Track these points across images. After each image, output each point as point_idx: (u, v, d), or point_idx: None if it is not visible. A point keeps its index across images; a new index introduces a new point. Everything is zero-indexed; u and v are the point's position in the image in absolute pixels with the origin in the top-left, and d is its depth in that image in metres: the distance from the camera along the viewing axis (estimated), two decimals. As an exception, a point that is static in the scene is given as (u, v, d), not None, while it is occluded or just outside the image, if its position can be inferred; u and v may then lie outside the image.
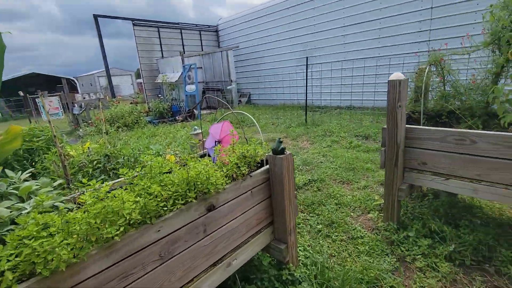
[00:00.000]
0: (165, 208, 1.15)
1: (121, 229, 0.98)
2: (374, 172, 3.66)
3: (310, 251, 2.15)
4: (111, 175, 2.49)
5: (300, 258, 2.02)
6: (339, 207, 2.85)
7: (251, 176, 1.54)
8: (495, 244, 1.98)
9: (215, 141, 1.82)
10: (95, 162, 2.47)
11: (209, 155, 1.97)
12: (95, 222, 0.94)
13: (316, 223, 2.61)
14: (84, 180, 1.10)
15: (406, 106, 2.09)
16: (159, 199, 1.14)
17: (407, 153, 2.16)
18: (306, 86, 6.74)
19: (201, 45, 13.23)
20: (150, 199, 1.10)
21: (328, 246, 2.26)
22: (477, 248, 1.98)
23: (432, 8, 6.74)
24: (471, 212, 2.42)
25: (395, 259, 2.05)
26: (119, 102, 9.60)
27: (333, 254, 2.16)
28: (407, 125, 2.09)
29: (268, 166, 1.66)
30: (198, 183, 1.24)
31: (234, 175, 1.48)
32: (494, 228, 2.14)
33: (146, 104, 11.66)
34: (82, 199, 1.04)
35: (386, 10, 7.43)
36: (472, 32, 6.24)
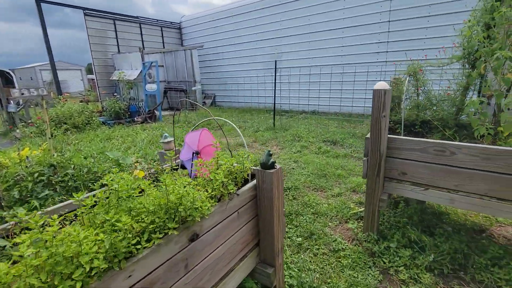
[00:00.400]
0: (139, 246, 0.89)
1: (78, 285, 0.71)
2: (345, 179, 3.69)
3: (295, 269, 2.01)
4: (57, 190, 2.07)
5: (285, 278, 1.87)
6: (317, 217, 2.78)
7: (238, 194, 1.34)
8: (469, 252, 2.05)
9: (193, 152, 1.58)
10: (37, 174, 2.03)
11: (184, 168, 1.71)
12: (39, 280, 0.65)
13: (295, 235, 2.48)
14: (20, 215, 0.79)
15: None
16: (131, 235, 0.88)
17: (387, 163, 2.14)
18: (275, 89, 6.70)
19: (163, 42, 12.51)
20: (118, 237, 0.84)
21: (311, 261, 2.15)
22: (453, 257, 2.03)
23: (389, 21, 7.22)
24: (440, 218, 2.52)
25: (378, 272, 2.01)
26: (66, 100, 8.54)
27: (316, 270, 2.04)
28: (389, 135, 2.07)
29: (255, 181, 1.47)
30: (180, 209, 1.00)
31: (220, 195, 1.26)
32: (465, 235, 2.23)
33: (99, 103, 10.60)
34: (20, 239, 0.74)
35: (348, 20, 7.77)
36: (422, 47, 6.82)
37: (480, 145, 1.77)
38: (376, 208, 2.23)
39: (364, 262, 2.10)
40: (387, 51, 7.35)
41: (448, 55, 2.17)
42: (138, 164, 1.63)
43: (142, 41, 11.77)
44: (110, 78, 10.68)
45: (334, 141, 5.36)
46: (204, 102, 11.38)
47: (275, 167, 1.43)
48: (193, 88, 10.08)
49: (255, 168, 1.47)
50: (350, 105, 7.62)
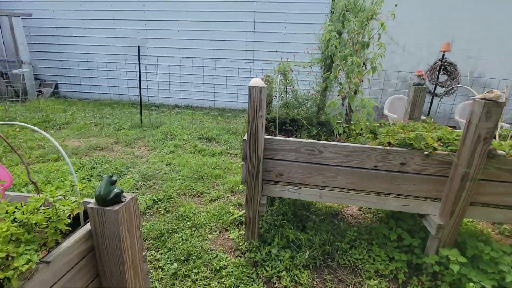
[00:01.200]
0: None
1: None
2: (223, 179, 3.51)
3: (168, 314, 1.57)
4: None
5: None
6: (195, 231, 2.41)
7: (48, 263, 0.76)
8: (334, 240, 2.25)
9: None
10: None
11: None
12: None
13: (169, 261, 2.03)
14: None
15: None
16: None
17: (265, 165, 2.03)
18: (140, 80, 5.73)
19: (-43, -1, 8.42)
20: None
21: (189, 293, 1.77)
22: (323, 248, 2.17)
23: (254, 22, 7.65)
24: (308, 209, 2.72)
25: (262, 283, 1.88)
26: None
27: (196, 303, 1.69)
28: (265, 136, 1.95)
29: (89, 226, 0.92)
30: None
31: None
32: (329, 223, 2.46)
33: None
34: None
35: (218, 14, 7.69)
36: (280, 49, 7.63)
37: (341, 143, 1.90)
38: (256, 214, 2.10)
39: (248, 276, 1.92)
40: (253, 50, 7.79)
41: (309, 59, 2.29)
42: None
43: None
44: None
45: (210, 137, 5.13)
46: (40, 92, 8.57)
47: (123, 199, 0.94)
48: (16, 71, 7.35)
49: (89, 204, 0.92)
50: (223, 99, 7.63)
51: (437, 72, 5.25)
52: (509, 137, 2.15)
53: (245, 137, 1.91)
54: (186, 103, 8.11)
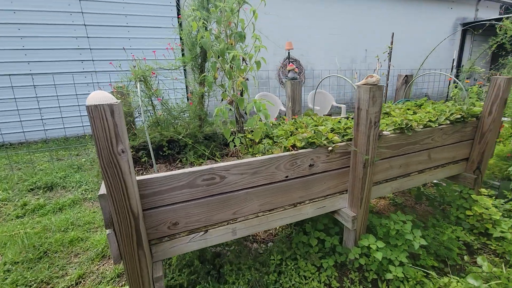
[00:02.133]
0: None
1: None
2: (85, 242, 2.41)
3: None
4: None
5: None
6: None
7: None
8: (260, 275, 1.83)
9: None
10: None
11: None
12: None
13: None
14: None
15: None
16: None
17: (148, 220, 1.34)
18: None
19: None
20: None
21: None
22: (251, 293, 1.71)
23: (85, 25, 6.10)
24: (216, 246, 2.19)
25: None
26: None
27: None
28: (139, 178, 1.25)
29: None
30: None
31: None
32: (246, 256, 2.02)
33: None
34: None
35: (27, 14, 5.60)
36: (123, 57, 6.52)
37: (246, 160, 1.48)
38: (151, 295, 1.37)
39: None
40: (93, 60, 6.24)
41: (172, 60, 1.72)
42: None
43: None
44: None
45: (51, 184, 3.58)
46: None
47: None
48: None
49: None
50: (61, 127, 5.73)
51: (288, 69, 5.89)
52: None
53: (102, 190, 1.15)
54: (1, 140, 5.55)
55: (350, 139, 1.77)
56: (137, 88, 1.44)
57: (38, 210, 2.98)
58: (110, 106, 1.02)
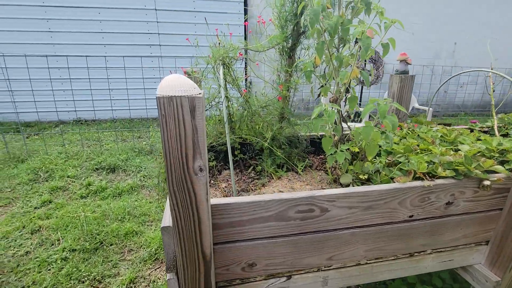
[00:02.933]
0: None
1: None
2: (139, 237, 2.25)
3: None
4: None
5: None
6: None
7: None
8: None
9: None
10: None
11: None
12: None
13: None
14: None
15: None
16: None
17: (218, 257, 0.97)
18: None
19: None
20: None
21: None
22: None
23: (156, 10, 6.17)
24: None
25: None
26: None
27: None
28: (213, 202, 0.89)
29: None
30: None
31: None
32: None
33: None
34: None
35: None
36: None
37: (360, 189, 1.01)
38: None
39: None
40: (160, 45, 6.32)
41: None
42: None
43: None
44: None
45: (113, 166, 3.61)
46: None
47: None
48: None
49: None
50: (126, 107, 5.95)
51: (364, 61, 5.12)
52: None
53: (166, 221, 0.81)
54: (73, 117, 6.02)
55: (513, 170, 1.16)
56: (218, 73, 1.06)
57: (100, 193, 2.97)
58: (191, 99, 0.64)
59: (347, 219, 1.03)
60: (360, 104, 5.40)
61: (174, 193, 0.72)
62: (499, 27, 7.72)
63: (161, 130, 0.67)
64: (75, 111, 5.74)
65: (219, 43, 1.18)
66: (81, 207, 2.64)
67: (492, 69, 2.10)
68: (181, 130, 0.67)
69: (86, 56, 4.99)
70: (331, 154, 1.18)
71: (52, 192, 2.94)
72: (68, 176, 3.28)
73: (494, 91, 1.94)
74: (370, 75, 4.96)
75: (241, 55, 1.24)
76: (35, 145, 4.29)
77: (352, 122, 4.46)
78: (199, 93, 0.67)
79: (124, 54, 5.89)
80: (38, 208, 2.66)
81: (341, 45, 1.24)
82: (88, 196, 2.91)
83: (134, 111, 6.19)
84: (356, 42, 1.18)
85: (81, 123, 5.85)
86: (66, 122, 5.85)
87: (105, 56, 5.62)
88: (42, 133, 4.97)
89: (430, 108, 4.82)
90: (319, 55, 1.14)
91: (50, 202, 2.77)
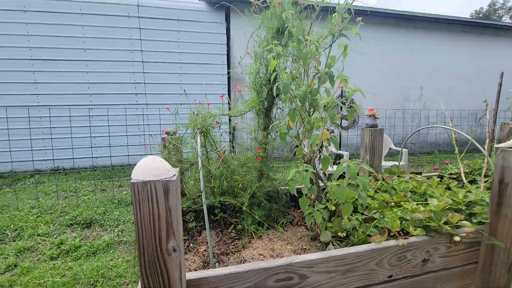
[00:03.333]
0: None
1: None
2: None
3: None
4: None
5: None
6: None
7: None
8: None
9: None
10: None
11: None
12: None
13: None
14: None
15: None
16: None
17: (195, 334, 0.91)
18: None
19: None
20: None
21: None
22: None
23: (142, 53, 6.48)
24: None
25: None
26: None
27: None
28: (190, 275, 0.86)
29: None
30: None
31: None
32: None
33: None
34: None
35: (92, 52, 6.10)
36: (178, 91, 6.66)
37: (336, 253, 1.02)
38: None
39: None
40: (145, 93, 6.50)
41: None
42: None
43: None
44: None
45: (89, 220, 3.41)
46: None
47: None
48: None
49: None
50: (108, 155, 5.85)
51: (340, 107, 5.46)
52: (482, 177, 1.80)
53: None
54: (51, 166, 5.81)
55: (481, 223, 1.22)
56: (195, 140, 1.12)
57: (72, 252, 2.76)
58: (165, 183, 0.67)
59: (327, 285, 1.02)
60: (340, 146, 5.60)
61: (146, 276, 0.71)
62: (457, 75, 8.61)
63: (134, 212, 0.68)
64: (53, 159, 5.57)
65: (197, 113, 1.26)
66: (49, 271, 2.42)
67: (451, 120, 2.31)
68: (154, 212, 0.68)
69: (69, 106, 5.02)
70: (309, 214, 1.20)
71: (18, 254, 2.71)
72: (38, 235, 3.05)
73: (456, 140, 2.10)
74: (347, 119, 5.25)
75: (218, 123, 1.32)
76: (6, 199, 4.04)
77: (333, 164, 4.58)
78: (174, 175, 0.70)
79: (109, 103, 5.99)
80: (1, 274, 2.42)
81: (312, 109, 1.35)
82: (59, 257, 2.69)
83: (116, 158, 6.08)
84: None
85: (59, 172, 5.64)
86: (43, 171, 5.62)
87: (89, 106, 5.68)
88: (15, 186, 4.72)
89: (405, 149, 5.08)
90: (292, 120, 1.23)
91: (16, 266, 2.54)
